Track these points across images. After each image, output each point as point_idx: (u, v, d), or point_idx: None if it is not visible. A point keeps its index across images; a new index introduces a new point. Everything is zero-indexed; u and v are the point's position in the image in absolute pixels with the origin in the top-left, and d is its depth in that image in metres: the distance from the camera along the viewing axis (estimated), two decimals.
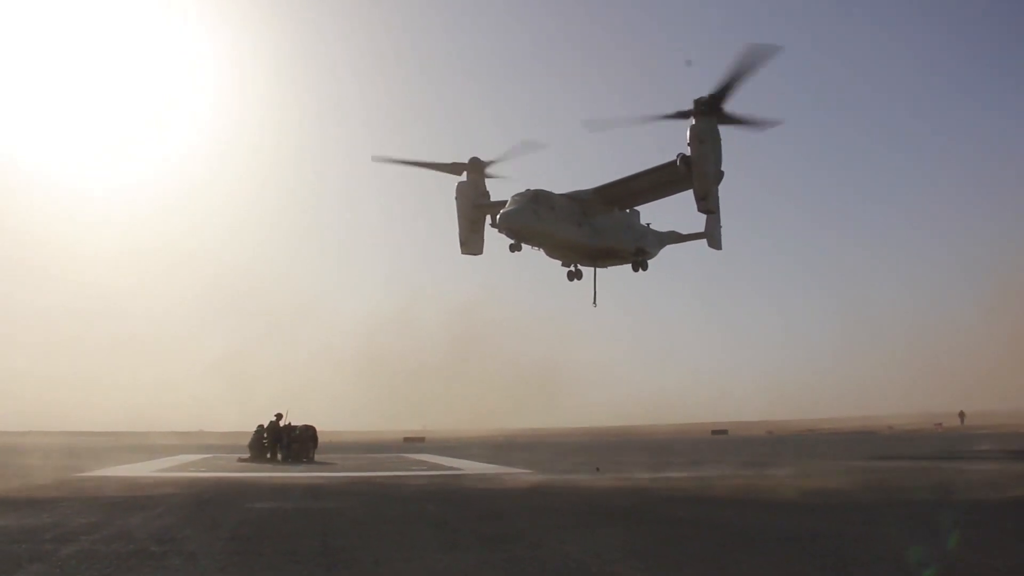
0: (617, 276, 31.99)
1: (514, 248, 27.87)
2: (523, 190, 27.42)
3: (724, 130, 23.75)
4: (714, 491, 17.35)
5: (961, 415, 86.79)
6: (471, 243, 30.83)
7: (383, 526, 11.63)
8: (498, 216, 27.00)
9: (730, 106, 23.24)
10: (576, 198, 28.57)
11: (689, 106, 23.49)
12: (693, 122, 23.46)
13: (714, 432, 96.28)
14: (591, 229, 28.87)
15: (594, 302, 32.13)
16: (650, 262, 31.61)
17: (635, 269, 31.50)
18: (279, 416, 32.97)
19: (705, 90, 23.29)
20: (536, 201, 26.79)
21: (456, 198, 30.48)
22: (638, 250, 31.04)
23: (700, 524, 11.81)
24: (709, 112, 23.27)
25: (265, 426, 33.16)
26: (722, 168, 24.32)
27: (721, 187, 24.70)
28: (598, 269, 32.24)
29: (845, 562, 8.49)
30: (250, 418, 35.01)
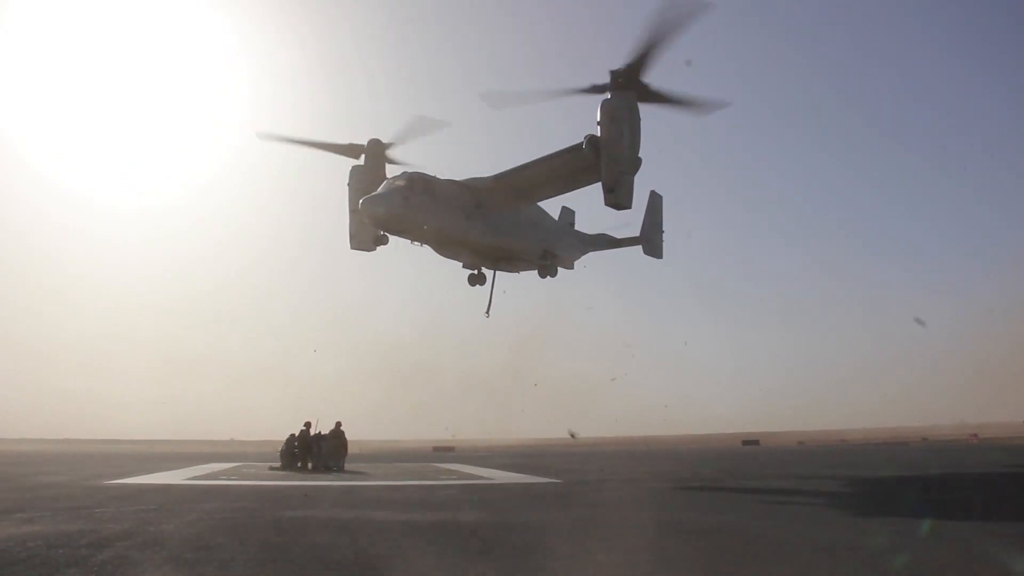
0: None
1: (379, 241, 24.12)
2: (399, 172, 23.78)
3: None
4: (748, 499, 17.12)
5: None
6: (362, 236, 26.04)
7: (414, 535, 11.62)
8: (360, 201, 22.98)
9: (652, 78, 19.89)
10: (469, 187, 24.45)
11: (606, 79, 20.19)
12: (607, 96, 20.30)
13: (745, 442, 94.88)
14: (483, 224, 24.51)
15: (487, 312, 27.27)
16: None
17: (542, 275, 27.23)
18: (308, 425, 33.20)
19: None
20: (410, 187, 22.71)
21: (348, 184, 26.09)
22: (544, 253, 26.78)
23: (734, 534, 11.62)
24: (627, 86, 20.01)
25: (296, 435, 33.40)
26: (640, 155, 20.59)
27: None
28: (505, 273, 27.95)
29: None
30: (281, 428, 35.22)
